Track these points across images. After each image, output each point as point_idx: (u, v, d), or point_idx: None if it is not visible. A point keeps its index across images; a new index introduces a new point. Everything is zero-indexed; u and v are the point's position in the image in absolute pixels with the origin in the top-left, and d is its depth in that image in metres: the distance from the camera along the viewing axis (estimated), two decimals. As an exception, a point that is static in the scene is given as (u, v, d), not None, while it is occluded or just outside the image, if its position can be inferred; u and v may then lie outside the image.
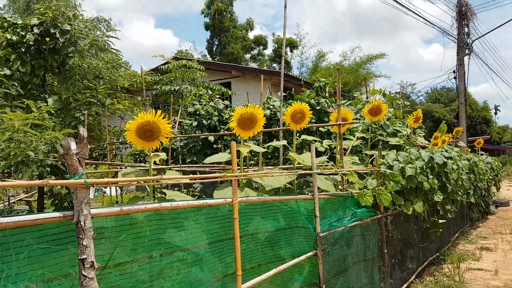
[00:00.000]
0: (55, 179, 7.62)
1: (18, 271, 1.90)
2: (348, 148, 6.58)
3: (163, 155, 3.71)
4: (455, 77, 23.20)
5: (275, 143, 5.93)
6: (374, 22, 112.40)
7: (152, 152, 3.52)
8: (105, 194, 16.90)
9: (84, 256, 2.01)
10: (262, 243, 3.61)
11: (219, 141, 11.12)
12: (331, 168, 5.13)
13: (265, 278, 3.40)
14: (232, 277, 3.13)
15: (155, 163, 3.80)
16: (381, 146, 6.87)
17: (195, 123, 11.72)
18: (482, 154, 15.34)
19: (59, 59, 8.36)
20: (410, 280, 6.83)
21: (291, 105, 4.86)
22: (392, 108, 9.00)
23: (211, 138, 11.12)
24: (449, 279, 7.17)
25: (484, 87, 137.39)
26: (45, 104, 7.76)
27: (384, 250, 5.84)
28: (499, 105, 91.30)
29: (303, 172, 4.54)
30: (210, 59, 48.89)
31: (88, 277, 2.01)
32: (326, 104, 9.15)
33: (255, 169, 5.93)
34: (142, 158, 13.90)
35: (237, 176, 3.15)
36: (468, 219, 12.17)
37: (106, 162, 9.38)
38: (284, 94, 8.90)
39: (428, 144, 8.55)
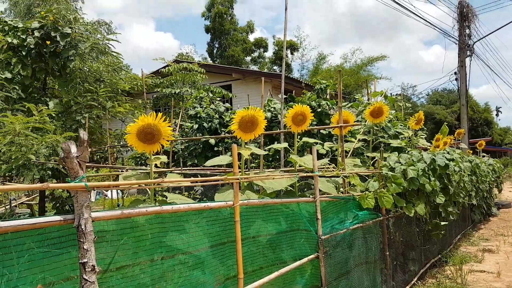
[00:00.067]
0: (56, 183, 7.61)
1: (19, 275, 1.89)
2: (349, 150, 6.57)
3: (164, 158, 3.70)
4: (456, 79, 23.17)
5: (276, 145, 5.92)
6: (374, 24, 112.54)
7: (153, 155, 3.51)
8: (106, 197, 16.88)
9: (85, 260, 2.00)
10: (263, 246, 3.60)
11: (220, 144, 11.12)
12: (333, 170, 5.12)
13: (267, 281, 3.39)
14: (234, 280, 3.12)
15: (156, 166, 3.79)
16: (382, 148, 6.86)
17: (196, 126, 11.70)
18: (483, 156, 15.32)
19: (60, 62, 8.36)
20: (412, 282, 6.81)
21: (292, 108, 4.85)
22: (393, 110, 8.99)
23: (212, 141, 11.11)
24: (451, 281, 7.15)
25: (485, 88, 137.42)
26: (46, 107, 7.76)
27: (386, 252, 5.82)
28: (500, 107, 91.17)
29: (305, 174, 4.54)
30: (211, 62, 48.90)
31: (89, 281, 2.00)
32: (327, 106, 9.15)
33: (256, 171, 5.92)
34: (143, 161, 13.89)
35: (238, 179, 3.14)
36: (470, 221, 12.14)
37: (107, 165, 9.37)
38: (285, 96, 8.89)
39: (429, 146, 8.53)
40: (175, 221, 2.74)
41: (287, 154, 7.22)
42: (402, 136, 7.73)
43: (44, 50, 8.20)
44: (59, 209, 8.34)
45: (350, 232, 4.81)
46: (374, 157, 6.50)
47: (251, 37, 56.29)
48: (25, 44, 8.15)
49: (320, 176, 4.48)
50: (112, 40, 9.53)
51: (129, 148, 11.08)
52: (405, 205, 5.88)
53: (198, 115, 11.89)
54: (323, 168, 5.22)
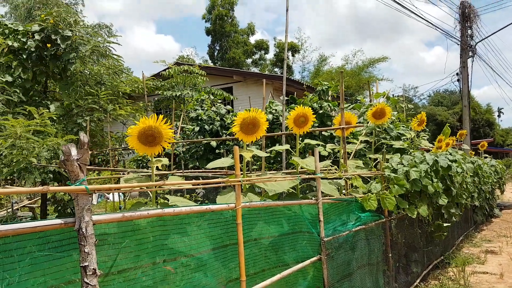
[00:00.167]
0: (57, 186, 7.61)
1: (20, 278, 1.88)
2: (351, 152, 6.56)
3: (165, 161, 3.69)
4: (458, 80, 23.14)
5: (278, 147, 5.91)
6: (375, 26, 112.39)
7: (154, 157, 3.50)
8: (108, 200, 16.88)
9: (86, 263, 1.99)
10: (266, 248, 3.59)
11: (221, 146, 11.10)
12: (335, 172, 5.10)
13: (269, 284, 3.37)
14: (236, 282, 3.11)
15: (157, 168, 3.78)
16: (385, 150, 6.84)
17: (197, 128, 11.69)
18: (486, 157, 15.30)
19: (60, 65, 8.36)
20: (415, 284, 6.79)
21: (293, 109, 4.84)
22: (395, 111, 8.98)
23: (213, 143, 11.10)
24: (454, 283, 7.12)
25: (486, 89, 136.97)
26: (47, 110, 7.76)
27: (388, 254, 5.80)
28: (502, 108, 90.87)
29: (307, 176, 4.51)
30: (212, 64, 48.91)
31: (91, 285, 1.99)
32: (329, 108, 9.13)
33: (258, 174, 5.91)
34: (144, 164, 13.89)
35: (240, 181, 3.12)
36: (472, 222, 12.11)
37: (109, 168, 9.37)
38: (286, 98, 8.88)
39: (431, 147, 8.51)
40: (177, 223, 2.73)
41: (289, 156, 7.20)
42: (404, 137, 7.71)
43: (45, 53, 8.21)
44: (60, 212, 8.34)
45: (352, 234, 4.79)
46: (377, 159, 6.48)
47: (252, 39, 56.38)
48: (25, 47, 8.16)
49: (322, 178, 4.46)
50: (113, 42, 9.54)
51: (130, 151, 11.08)
52: (407, 206, 5.86)
53: (199, 118, 11.88)
54: (325, 170, 5.20)
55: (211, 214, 2.99)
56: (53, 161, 7.06)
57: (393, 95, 9.56)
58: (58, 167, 7.17)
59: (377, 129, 7.17)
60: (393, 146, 7.20)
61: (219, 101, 14.61)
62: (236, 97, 20.67)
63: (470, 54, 22.71)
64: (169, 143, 3.35)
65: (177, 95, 17.08)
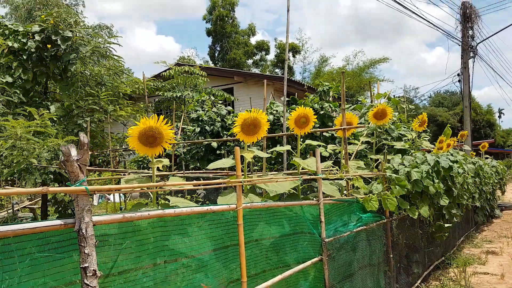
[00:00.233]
0: (58, 186, 7.60)
1: (20, 279, 1.87)
2: (353, 153, 6.54)
3: (166, 162, 3.68)
4: (459, 80, 23.13)
5: (279, 148, 5.89)
6: (376, 27, 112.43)
7: (155, 158, 3.49)
8: (108, 201, 16.87)
9: (86, 265, 1.98)
10: (267, 249, 3.58)
11: (222, 147, 11.10)
12: (336, 173, 5.09)
13: (270, 284, 3.36)
14: (237, 283, 3.10)
15: (158, 169, 3.77)
16: (386, 151, 6.82)
17: (197, 129, 11.68)
18: (486, 158, 15.29)
19: (61, 66, 8.36)
20: (416, 284, 6.78)
21: (294, 110, 4.83)
22: (396, 112, 8.96)
23: (214, 144, 11.09)
24: (455, 283, 7.11)
25: (487, 90, 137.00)
26: (48, 111, 7.76)
27: (389, 254, 5.79)
28: (503, 109, 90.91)
29: (308, 177, 4.50)
30: (212, 65, 48.85)
31: (91, 286, 1.98)
32: (330, 109, 9.12)
33: (259, 174, 5.90)
34: (145, 165, 13.88)
35: (241, 182, 3.11)
36: (473, 222, 12.10)
37: (109, 169, 9.36)
38: (287, 99, 8.87)
39: (433, 148, 8.50)
40: (177, 224, 2.72)
41: (290, 157, 7.20)
42: (405, 138, 7.69)
43: (45, 53, 8.20)
44: (61, 213, 8.33)
45: (353, 235, 4.78)
46: (378, 159, 6.47)
47: (253, 40, 56.41)
48: (26, 48, 8.16)
49: (323, 179, 4.45)
50: (113, 43, 9.54)
51: (131, 152, 11.06)
52: (409, 207, 5.85)
53: (200, 118, 11.88)
54: (327, 170, 5.19)
55: (212, 215, 2.98)
56: (54, 162, 7.06)
57: (394, 95, 9.53)
58: (59, 168, 7.17)
59: (378, 129, 7.15)
60: (394, 147, 7.18)
61: (220, 102, 14.61)
62: (237, 98, 20.66)
63: (471, 54, 22.71)
64: (170, 144, 3.34)
65: (178, 96, 17.06)
